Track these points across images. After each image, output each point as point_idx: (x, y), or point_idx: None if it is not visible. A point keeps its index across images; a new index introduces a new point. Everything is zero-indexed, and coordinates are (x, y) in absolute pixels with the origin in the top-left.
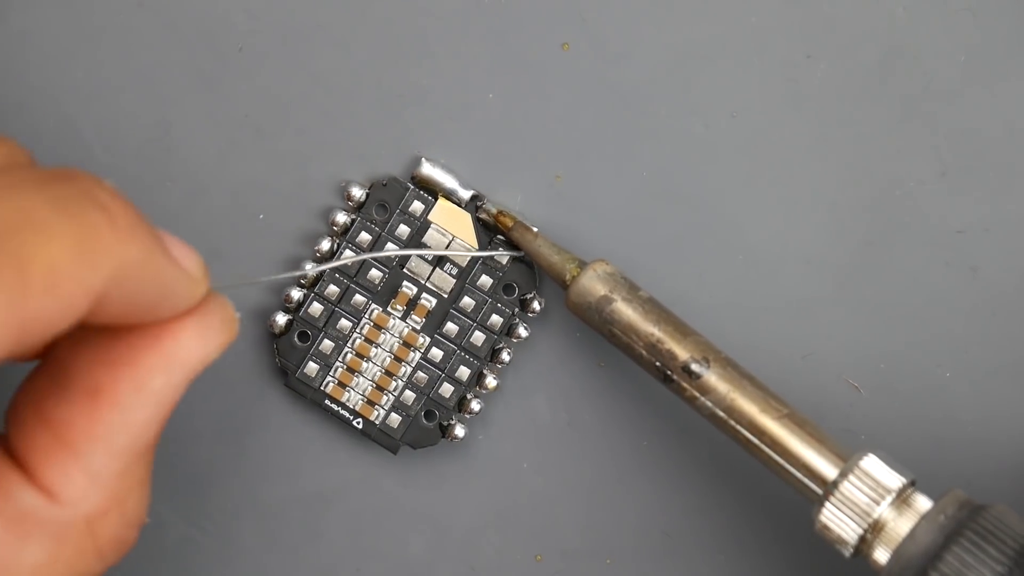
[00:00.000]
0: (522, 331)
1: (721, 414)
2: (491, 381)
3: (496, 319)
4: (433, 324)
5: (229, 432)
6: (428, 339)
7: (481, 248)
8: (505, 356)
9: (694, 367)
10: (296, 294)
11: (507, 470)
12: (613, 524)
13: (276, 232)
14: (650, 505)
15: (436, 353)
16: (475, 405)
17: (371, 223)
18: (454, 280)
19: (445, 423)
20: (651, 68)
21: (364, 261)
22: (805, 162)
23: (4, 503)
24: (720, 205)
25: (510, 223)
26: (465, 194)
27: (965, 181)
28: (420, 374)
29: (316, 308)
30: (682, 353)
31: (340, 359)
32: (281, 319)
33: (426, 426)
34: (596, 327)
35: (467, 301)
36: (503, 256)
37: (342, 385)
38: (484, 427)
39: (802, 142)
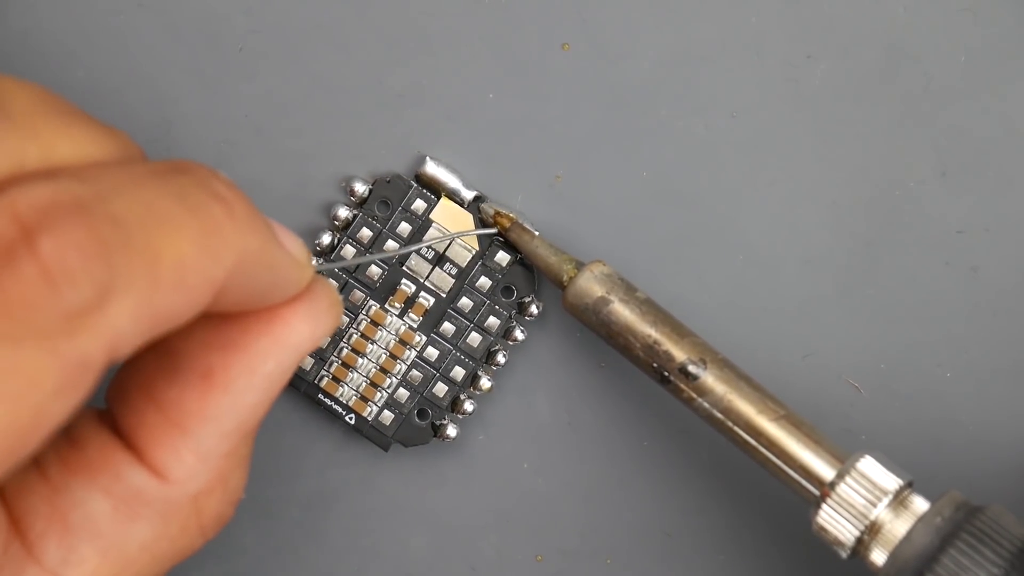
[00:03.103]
0: (519, 334)
1: (718, 415)
2: (485, 382)
3: (493, 321)
4: (430, 323)
5: None
6: (424, 338)
7: (482, 251)
8: (500, 358)
9: (691, 368)
10: None
11: (507, 470)
12: (613, 524)
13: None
14: (650, 505)
15: (432, 352)
16: (468, 406)
17: (372, 219)
18: (453, 280)
19: (437, 423)
20: (651, 68)
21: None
22: (805, 162)
23: (114, 483)
24: (720, 205)
25: (507, 223)
26: (468, 195)
27: (965, 181)
28: (415, 372)
29: None
30: (679, 354)
31: (336, 354)
32: None
33: (418, 425)
34: (593, 328)
35: (465, 302)
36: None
37: (336, 380)
38: (484, 427)
39: (802, 142)
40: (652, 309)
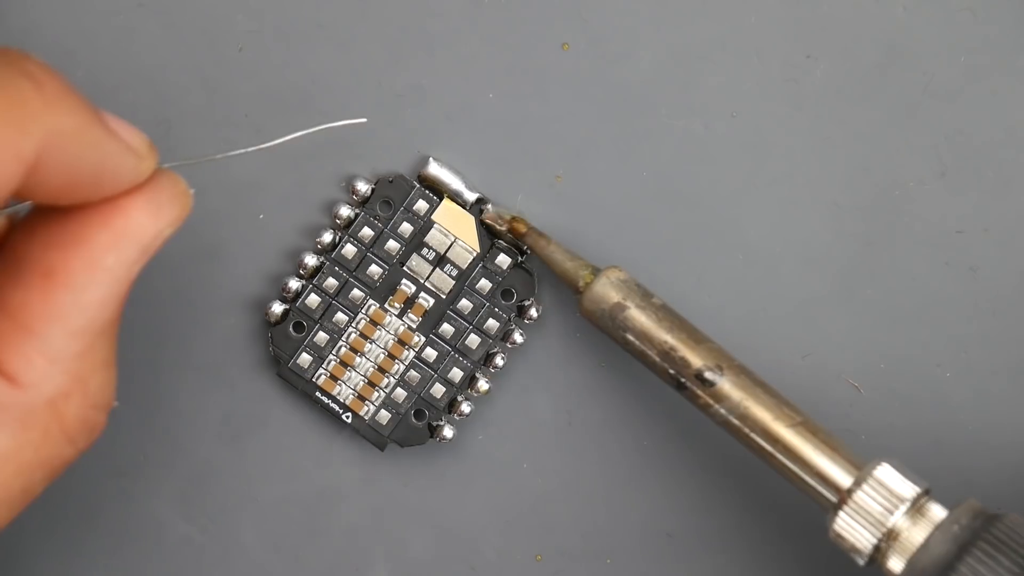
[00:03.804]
0: (518, 337)
1: (735, 422)
2: (483, 384)
3: (492, 323)
4: (429, 324)
5: (225, 425)
6: (423, 338)
7: (482, 253)
8: (499, 361)
9: (707, 375)
10: (294, 284)
11: (507, 470)
12: (613, 524)
13: (277, 229)
14: (650, 505)
15: (430, 353)
16: (465, 407)
17: (374, 219)
18: (453, 281)
19: (434, 423)
20: (651, 68)
21: (365, 257)
22: (805, 162)
23: None
24: (720, 205)
25: (523, 228)
26: (470, 196)
27: (965, 181)
28: (413, 373)
29: (313, 300)
30: (695, 360)
31: (334, 352)
32: (277, 308)
33: (415, 425)
34: (610, 333)
35: (465, 303)
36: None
37: (334, 378)
38: (484, 427)
39: (802, 142)
40: (668, 315)
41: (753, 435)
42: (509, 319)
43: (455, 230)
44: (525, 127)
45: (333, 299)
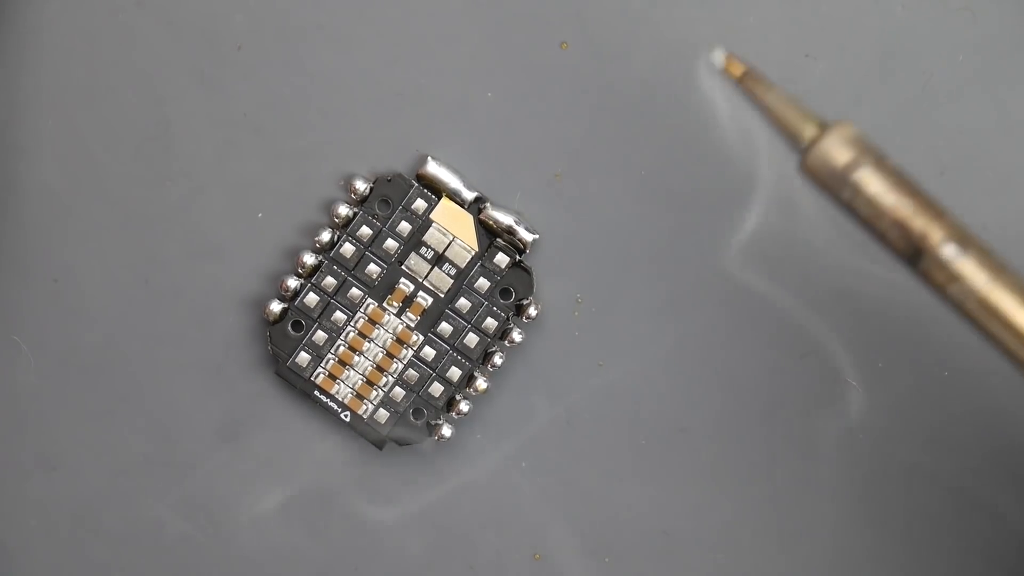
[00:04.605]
0: (516, 336)
1: (973, 307)
2: (481, 383)
3: (491, 322)
4: (428, 323)
5: (224, 424)
6: (421, 337)
7: (481, 252)
8: (497, 360)
9: (948, 249)
10: (293, 283)
11: (506, 469)
12: (612, 524)
13: (276, 228)
14: (649, 504)
15: (428, 352)
16: (464, 406)
17: (373, 217)
18: (452, 280)
19: (433, 422)
20: (651, 68)
21: (363, 256)
22: None
23: None
24: (720, 205)
25: (739, 71)
26: (469, 195)
27: (965, 181)
28: (411, 372)
29: (312, 299)
30: (935, 233)
31: (332, 351)
32: (276, 307)
33: (413, 424)
34: (836, 195)
35: (463, 302)
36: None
37: (332, 377)
38: (483, 426)
39: None
40: (907, 180)
41: (992, 325)
42: (507, 318)
43: (454, 229)
44: (524, 126)
45: (332, 298)
